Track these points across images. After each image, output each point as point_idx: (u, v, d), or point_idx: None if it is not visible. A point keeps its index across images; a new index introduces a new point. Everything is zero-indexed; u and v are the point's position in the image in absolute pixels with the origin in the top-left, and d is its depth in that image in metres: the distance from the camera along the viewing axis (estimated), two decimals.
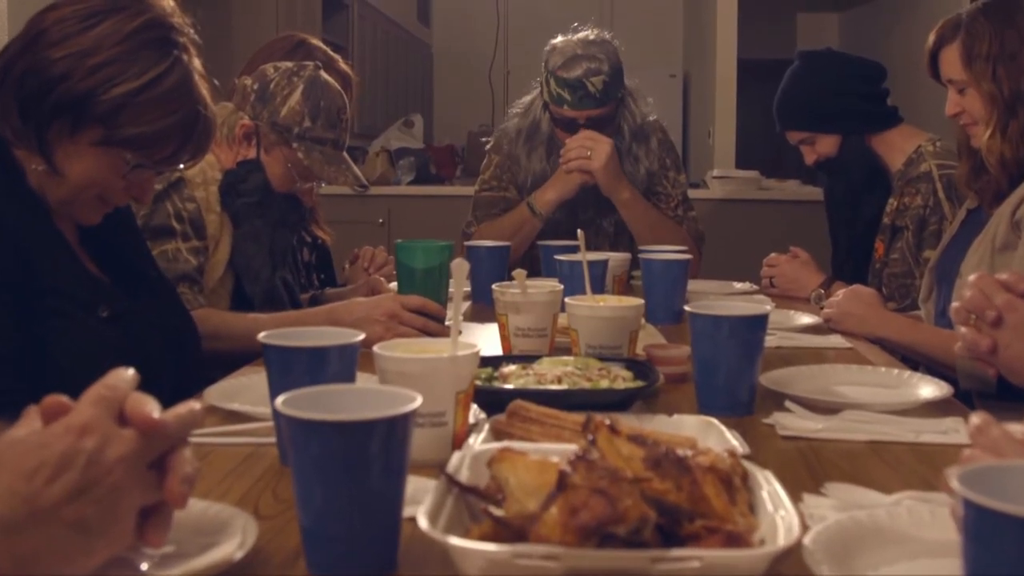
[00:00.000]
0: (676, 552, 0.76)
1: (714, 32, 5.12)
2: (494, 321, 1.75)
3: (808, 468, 1.13)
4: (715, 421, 1.18)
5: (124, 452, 0.73)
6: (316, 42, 2.49)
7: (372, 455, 0.78)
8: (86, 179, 1.42)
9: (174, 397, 1.42)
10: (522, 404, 1.12)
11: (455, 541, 0.76)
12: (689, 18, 7.06)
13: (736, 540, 0.77)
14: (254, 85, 2.05)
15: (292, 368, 1.07)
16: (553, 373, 1.33)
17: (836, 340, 1.95)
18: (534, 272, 2.46)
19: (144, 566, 0.79)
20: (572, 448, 0.87)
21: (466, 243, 2.48)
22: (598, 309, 1.58)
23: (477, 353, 1.12)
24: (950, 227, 2.22)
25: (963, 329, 1.31)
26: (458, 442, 1.11)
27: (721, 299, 2.25)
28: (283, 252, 2.12)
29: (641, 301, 1.63)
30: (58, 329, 1.39)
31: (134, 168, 1.44)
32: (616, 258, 2.30)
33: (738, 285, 2.64)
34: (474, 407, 1.24)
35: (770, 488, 0.88)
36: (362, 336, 1.12)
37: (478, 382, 1.28)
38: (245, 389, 1.41)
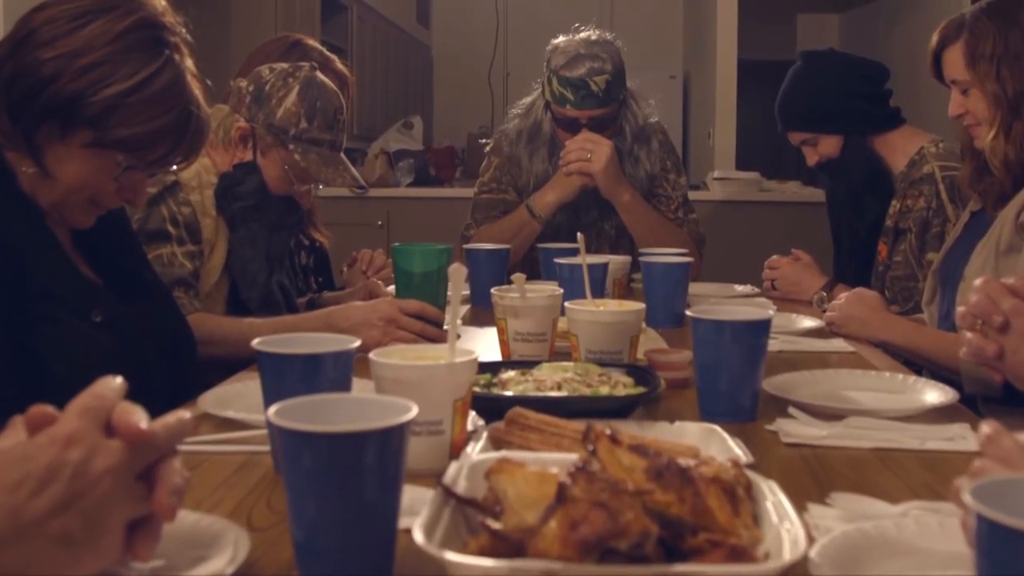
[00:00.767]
0: (679, 567, 0.74)
1: (714, 33, 5.11)
2: (493, 325, 1.73)
3: (813, 476, 1.11)
4: (718, 429, 1.16)
5: (111, 464, 0.71)
6: (312, 42, 2.47)
7: (366, 467, 0.76)
8: (77, 181, 1.40)
9: (169, 403, 1.41)
10: (521, 412, 1.10)
11: (451, 556, 0.74)
12: (689, 19, 7.04)
13: (740, 554, 0.75)
14: (249, 87, 2.03)
15: (286, 376, 1.05)
16: (553, 379, 1.31)
17: (839, 344, 1.93)
18: (534, 275, 2.44)
19: None
20: (572, 458, 0.85)
21: (465, 246, 2.46)
22: (598, 314, 1.56)
23: (475, 360, 1.10)
24: (953, 229, 2.20)
25: (969, 334, 1.29)
26: (456, 450, 1.09)
27: (723, 303, 2.24)
28: (280, 256, 2.10)
29: (642, 306, 1.61)
30: (51, 334, 1.37)
31: (126, 170, 1.42)
32: (616, 261, 2.28)
33: (739, 288, 2.62)
34: (472, 414, 1.22)
35: (775, 499, 0.86)
36: (358, 343, 1.10)
37: (476, 389, 1.26)
38: (240, 396, 1.39)
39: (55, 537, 0.68)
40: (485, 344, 1.81)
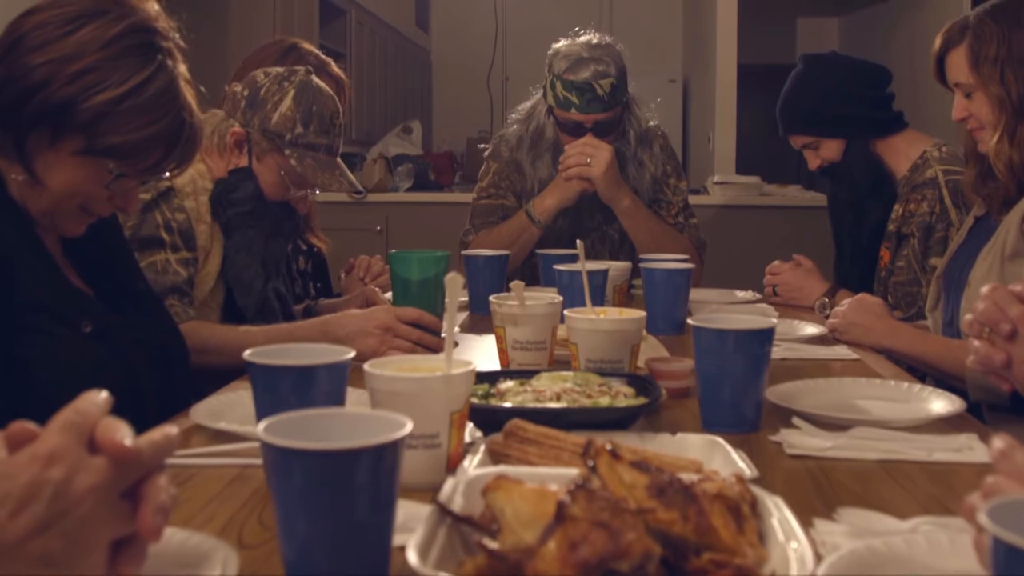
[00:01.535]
0: None
1: (714, 37, 5.09)
2: (491, 332, 1.71)
3: (818, 490, 1.09)
4: (720, 441, 1.14)
5: (94, 482, 0.68)
6: (308, 46, 2.45)
7: (359, 485, 0.74)
8: (68, 189, 1.37)
9: (160, 414, 1.39)
10: (520, 424, 1.07)
11: None
12: (689, 23, 7.03)
13: (746, 575, 0.73)
14: (244, 92, 2.01)
15: (278, 387, 1.03)
16: (552, 390, 1.29)
17: (842, 351, 1.91)
18: (533, 281, 2.41)
19: None
20: (571, 473, 0.82)
21: (464, 252, 2.44)
22: (598, 323, 1.53)
23: (472, 371, 1.07)
24: (957, 234, 2.18)
25: (976, 343, 1.27)
26: (452, 464, 1.07)
27: (724, 309, 2.21)
28: (276, 262, 2.07)
29: (643, 314, 1.58)
30: (40, 345, 1.34)
31: (117, 177, 1.39)
32: (616, 267, 2.25)
33: (740, 294, 2.60)
34: (470, 425, 1.19)
35: (780, 515, 0.84)
36: (352, 354, 1.08)
37: (474, 399, 1.23)
38: (232, 407, 1.37)
39: (36, 558, 0.66)
40: (483, 352, 1.78)
